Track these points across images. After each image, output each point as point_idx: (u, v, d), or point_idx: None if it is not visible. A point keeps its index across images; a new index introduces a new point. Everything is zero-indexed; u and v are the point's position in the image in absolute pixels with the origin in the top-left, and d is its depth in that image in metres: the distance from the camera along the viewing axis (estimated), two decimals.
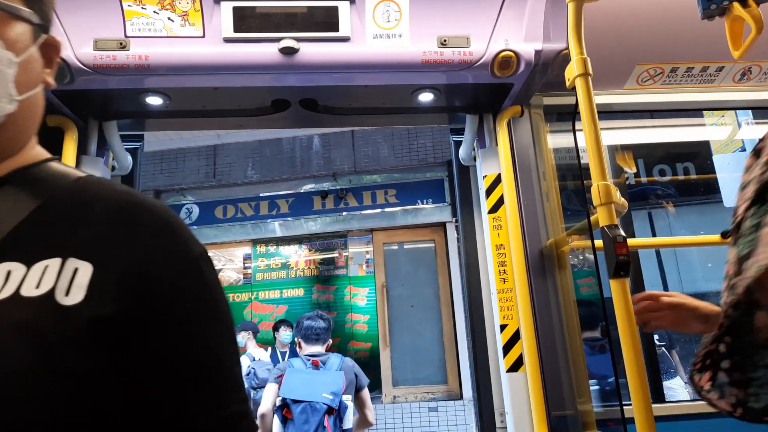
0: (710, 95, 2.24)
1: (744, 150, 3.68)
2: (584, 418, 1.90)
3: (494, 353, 2.15)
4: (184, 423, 0.53)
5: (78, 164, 1.93)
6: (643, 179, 5.43)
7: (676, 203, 5.78)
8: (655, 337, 4.44)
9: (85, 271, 0.49)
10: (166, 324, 0.53)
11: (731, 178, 3.70)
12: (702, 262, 6.19)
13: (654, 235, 5.88)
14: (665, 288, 5.82)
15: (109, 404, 0.49)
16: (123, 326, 0.50)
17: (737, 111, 3.51)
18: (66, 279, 0.48)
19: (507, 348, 2.02)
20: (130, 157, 2.20)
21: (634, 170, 5.07)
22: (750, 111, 3.45)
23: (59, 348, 0.45)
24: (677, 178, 5.43)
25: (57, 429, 0.45)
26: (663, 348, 4.46)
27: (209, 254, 0.59)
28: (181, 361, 0.53)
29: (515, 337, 2.01)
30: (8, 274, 0.48)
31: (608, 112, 2.32)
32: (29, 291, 0.47)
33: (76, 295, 0.48)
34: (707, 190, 5.41)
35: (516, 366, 1.99)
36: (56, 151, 1.87)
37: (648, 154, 5.44)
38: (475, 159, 2.30)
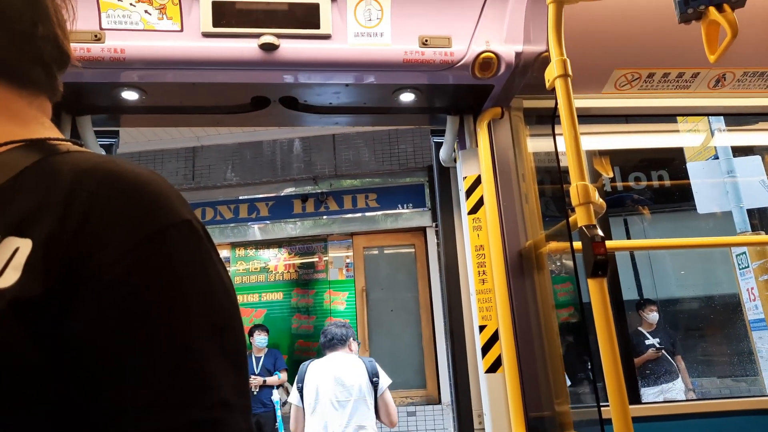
0: (685, 101, 2.28)
1: (717, 158, 3.76)
2: (561, 418, 1.90)
3: (473, 355, 2.14)
4: (125, 425, 0.42)
5: None
6: (619, 185, 5.52)
7: (651, 210, 5.88)
8: (656, 341, 4.51)
9: (24, 248, 0.43)
10: (101, 305, 0.43)
11: (705, 185, 3.77)
12: (675, 269, 6.30)
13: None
14: (640, 294, 5.91)
15: (41, 403, 0.42)
16: (49, 307, 0.42)
17: (710, 119, 3.59)
18: (4, 258, 0.42)
19: (486, 349, 2.01)
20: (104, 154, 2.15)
21: (611, 175, 5.15)
22: (723, 119, 3.53)
23: None
24: (652, 184, 5.53)
25: None
26: (664, 352, 4.52)
27: (194, 225, 0.48)
28: (114, 348, 0.43)
29: (494, 338, 2.01)
30: None
31: (586, 116, 2.35)
32: None
33: (12, 276, 0.42)
34: (681, 198, 5.52)
35: (494, 367, 1.99)
36: None
37: (624, 161, 5.53)
38: (455, 160, 2.30)
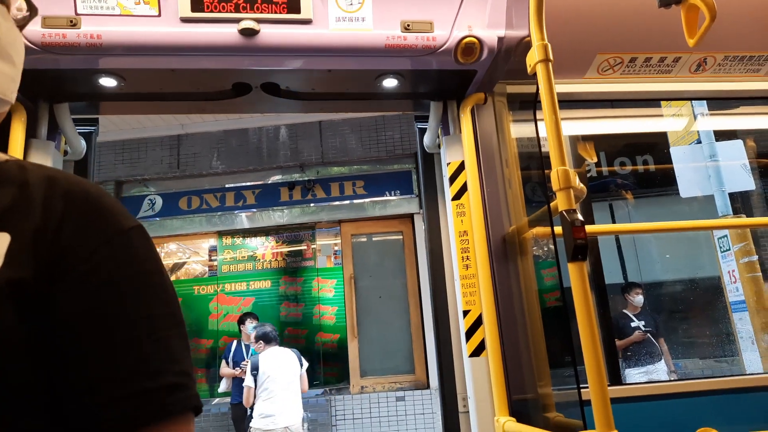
0: (667, 85, 2.30)
1: (699, 142, 3.80)
2: (544, 400, 1.93)
3: (458, 340, 2.16)
4: (105, 391, 0.51)
5: (27, 148, 1.85)
6: (605, 170, 5.56)
7: (636, 195, 5.94)
8: (641, 323, 4.59)
9: (2, 241, 0.51)
10: (86, 290, 0.53)
11: (687, 170, 3.81)
12: (660, 253, 6.38)
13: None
14: (624, 277, 5.98)
15: (28, 370, 0.50)
16: (38, 290, 0.51)
17: (693, 104, 3.62)
18: None
19: (470, 333, 2.03)
20: (83, 142, 2.12)
21: (595, 160, 5.19)
22: (705, 103, 3.56)
23: None
24: (637, 168, 5.57)
25: None
26: (649, 334, 4.60)
27: (145, 230, 0.59)
28: (103, 326, 0.52)
29: (478, 322, 2.03)
30: None
31: (569, 101, 2.36)
32: None
33: None
34: (665, 182, 5.58)
35: (478, 351, 2.01)
36: (3, 133, 1.79)
37: (609, 146, 5.56)
38: (439, 146, 2.30)
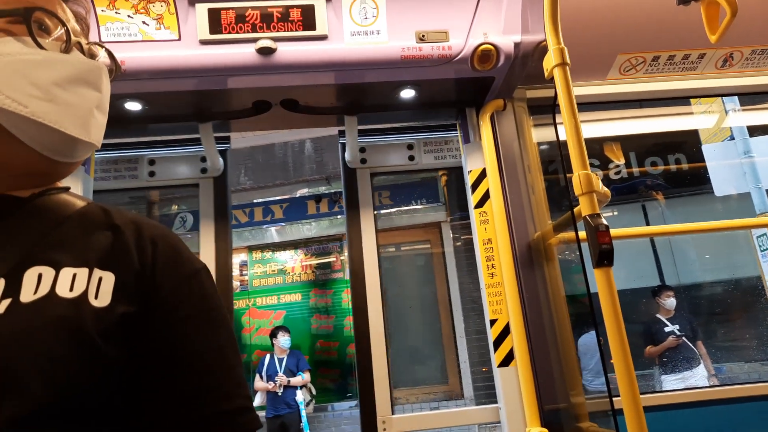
0: (694, 83, 2.23)
1: (733, 139, 3.68)
2: (577, 410, 1.89)
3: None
4: (191, 410, 0.60)
5: None
6: (635, 171, 5.43)
7: (669, 194, 5.78)
8: (675, 327, 4.43)
9: (108, 279, 0.60)
10: (173, 322, 0.62)
11: (721, 167, 3.70)
12: (699, 252, 6.18)
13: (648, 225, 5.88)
14: (661, 279, 5.81)
15: (127, 388, 0.58)
16: (139, 321, 0.60)
17: (724, 100, 3.51)
18: (94, 286, 0.59)
19: (497, 343, 2.00)
20: (221, 159, 2.26)
21: (623, 161, 5.06)
22: (737, 98, 3.45)
23: (95, 340, 0.55)
24: (669, 168, 5.42)
25: (86, 407, 0.54)
26: (684, 338, 4.42)
27: (209, 269, 0.69)
28: (188, 354, 0.62)
29: (505, 331, 1.99)
30: (40, 276, 0.57)
31: (593, 103, 2.32)
32: (64, 293, 0.57)
33: (105, 299, 0.58)
34: (698, 181, 5.41)
35: (507, 360, 1.98)
36: None
37: (639, 147, 5.44)
38: (363, 161, 2.30)
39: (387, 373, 2.13)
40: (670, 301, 4.52)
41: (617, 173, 5.32)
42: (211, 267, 2.17)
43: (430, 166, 2.43)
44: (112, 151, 2.27)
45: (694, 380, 4.25)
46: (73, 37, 0.67)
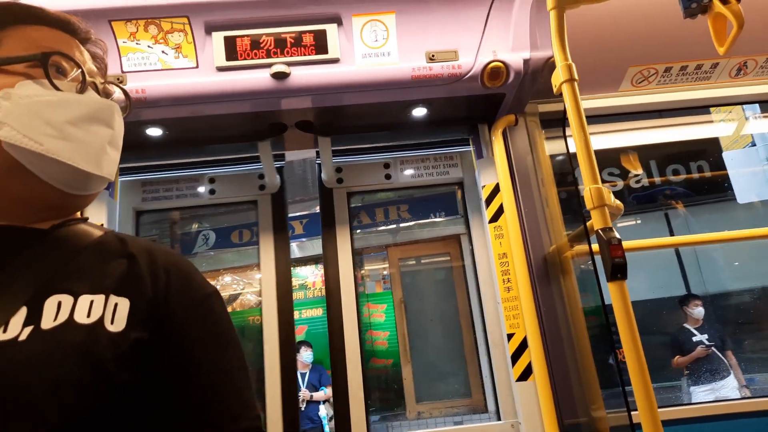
0: (710, 92, 2.22)
1: (754, 145, 3.62)
2: (597, 424, 1.87)
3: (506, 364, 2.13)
4: (195, 430, 0.62)
5: None
6: (657, 180, 5.36)
7: (691, 203, 5.68)
8: (704, 337, 4.33)
9: (123, 305, 0.63)
10: (184, 345, 0.65)
11: (743, 174, 3.64)
12: (727, 260, 6.04)
13: (672, 235, 5.79)
14: (687, 289, 5.70)
15: (140, 409, 0.60)
16: (152, 347, 0.62)
17: (744, 107, 3.47)
18: (110, 311, 0.62)
19: (515, 357, 2.00)
20: (278, 177, 2.35)
21: (641, 171, 5.01)
22: (757, 105, 3.40)
23: (109, 366, 0.58)
24: (691, 176, 5.34)
25: (94, 427, 0.56)
26: (713, 348, 4.31)
27: (219, 292, 0.72)
28: (195, 375, 0.64)
29: (523, 345, 1.99)
30: (59, 304, 0.61)
31: (609, 115, 2.32)
32: (82, 319, 0.60)
33: (120, 324, 0.61)
34: (720, 188, 5.32)
35: (525, 375, 1.97)
36: None
37: (659, 156, 5.37)
38: (339, 181, 2.33)
39: (363, 395, 2.11)
40: (698, 310, 4.42)
41: (637, 182, 5.26)
42: (272, 279, 2.23)
43: (407, 184, 2.45)
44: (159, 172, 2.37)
45: (725, 391, 4.13)
46: (88, 78, 0.71)
